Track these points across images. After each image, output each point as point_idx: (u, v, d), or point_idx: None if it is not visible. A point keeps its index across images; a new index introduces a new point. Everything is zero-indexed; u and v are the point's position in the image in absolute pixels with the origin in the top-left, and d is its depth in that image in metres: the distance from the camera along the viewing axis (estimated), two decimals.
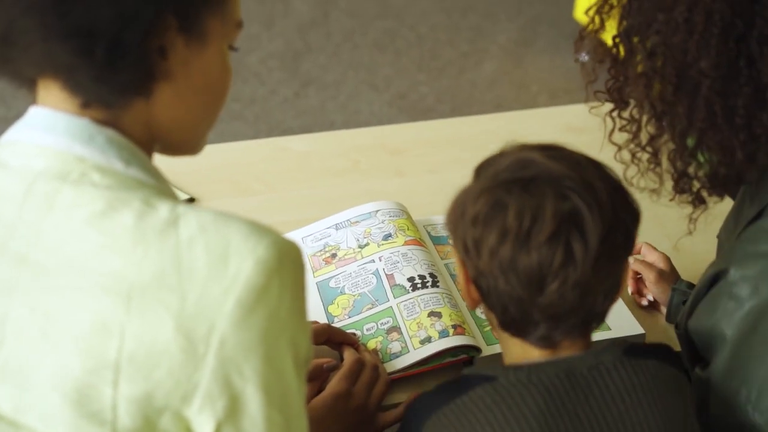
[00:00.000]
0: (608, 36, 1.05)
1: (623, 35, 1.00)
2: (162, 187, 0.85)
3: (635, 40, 0.98)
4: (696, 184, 1.02)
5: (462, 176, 1.63)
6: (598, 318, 0.98)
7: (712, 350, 1.04)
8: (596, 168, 0.96)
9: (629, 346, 0.98)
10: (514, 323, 0.96)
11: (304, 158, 1.66)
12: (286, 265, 0.80)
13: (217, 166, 1.63)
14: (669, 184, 1.04)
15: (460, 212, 0.97)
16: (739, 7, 0.91)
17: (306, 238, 1.43)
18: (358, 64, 3.64)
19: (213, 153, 1.73)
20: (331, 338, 1.23)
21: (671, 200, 1.05)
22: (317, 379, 1.18)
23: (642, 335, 1.27)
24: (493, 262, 0.93)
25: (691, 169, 1.00)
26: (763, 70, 0.91)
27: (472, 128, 1.81)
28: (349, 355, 1.20)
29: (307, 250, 1.40)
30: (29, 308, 0.80)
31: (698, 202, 1.04)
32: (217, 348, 0.77)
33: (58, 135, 0.82)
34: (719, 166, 0.99)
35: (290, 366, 0.82)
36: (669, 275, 1.31)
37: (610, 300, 0.97)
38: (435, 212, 1.50)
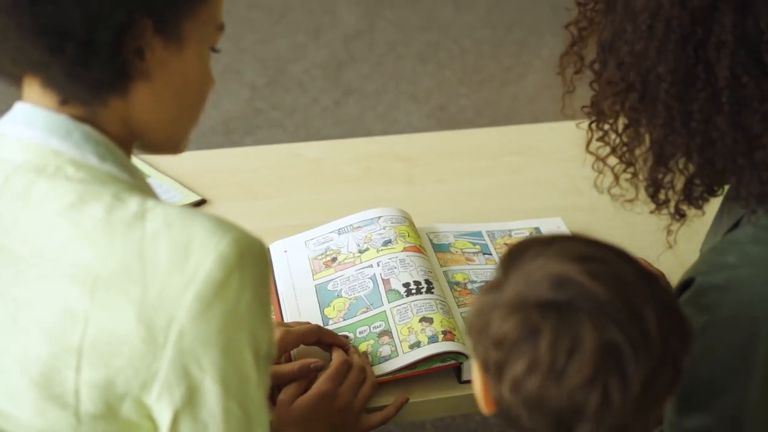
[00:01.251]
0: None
1: (599, 48, 1.02)
2: (136, 183, 0.89)
3: (609, 53, 1.00)
4: (673, 196, 1.02)
5: (470, 187, 1.66)
6: None
7: None
8: (644, 284, 0.83)
9: None
10: None
11: (316, 164, 1.69)
12: (246, 261, 0.83)
13: (230, 170, 1.66)
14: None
15: (482, 324, 0.85)
16: (699, 15, 0.92)
17: (309, 241, 1.45)
18: (399, 74, 3.66)
19: (227, 157, 1.78)
20: (322, 339, 1.24)
21: (651, 212, 1.05)
22: (304, 378, 1.19)
23: None
24: (517, 394, 0.81)
25: (666, 179, 1.01)
26: (720, 74, 0.92)
27: (485, 139, 1.82)
28: (337, 356, 1.21)
29: (309, 253, 1.43)
30: (0, 295, 0.84)
31: (678, 215, 1.04)
32: (175, 339, 0.80)
33: (37, 130, 0.86)
34: (694, 177, 0.99)
35: (250, 360, 0.84)
36: None
37: None
38: (441, 221, 1.52)
